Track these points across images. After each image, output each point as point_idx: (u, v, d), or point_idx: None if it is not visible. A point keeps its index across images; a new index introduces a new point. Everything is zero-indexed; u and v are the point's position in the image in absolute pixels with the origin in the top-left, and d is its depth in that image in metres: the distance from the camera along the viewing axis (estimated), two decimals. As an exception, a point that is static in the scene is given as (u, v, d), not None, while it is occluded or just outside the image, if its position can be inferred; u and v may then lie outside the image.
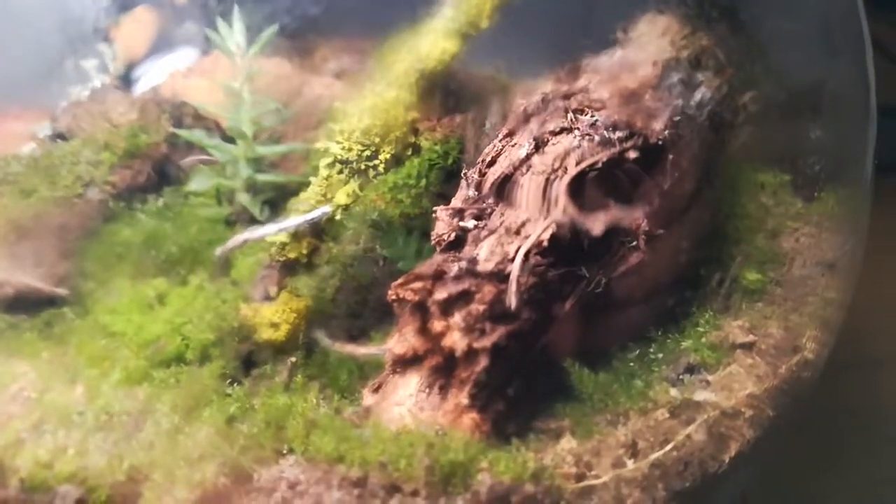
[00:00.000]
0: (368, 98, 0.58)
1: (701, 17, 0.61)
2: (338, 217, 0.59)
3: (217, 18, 0.68)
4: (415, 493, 0.38)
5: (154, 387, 0.48)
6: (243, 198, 0.69)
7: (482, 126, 0.67)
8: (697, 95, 0.59)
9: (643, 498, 0.41)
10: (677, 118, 0.53)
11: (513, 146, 0.54)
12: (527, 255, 0.44)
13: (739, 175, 0.63)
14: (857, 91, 0.59)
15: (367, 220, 0.67)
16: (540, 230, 0.44)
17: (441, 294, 0.44)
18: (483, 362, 0.43)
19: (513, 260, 0.44)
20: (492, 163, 0.53)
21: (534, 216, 0.46)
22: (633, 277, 0.49)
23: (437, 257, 0.50)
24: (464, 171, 0.52)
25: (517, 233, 0.45)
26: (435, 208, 0.52)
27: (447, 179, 0.66)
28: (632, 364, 0.47)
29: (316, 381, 0.57)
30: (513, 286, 0.43)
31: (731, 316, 0.50)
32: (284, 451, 0.42)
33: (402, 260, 0.64)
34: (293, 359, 0.58)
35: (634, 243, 0.49)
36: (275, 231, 0.59)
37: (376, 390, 0.51)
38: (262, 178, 0.69)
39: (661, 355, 0.47)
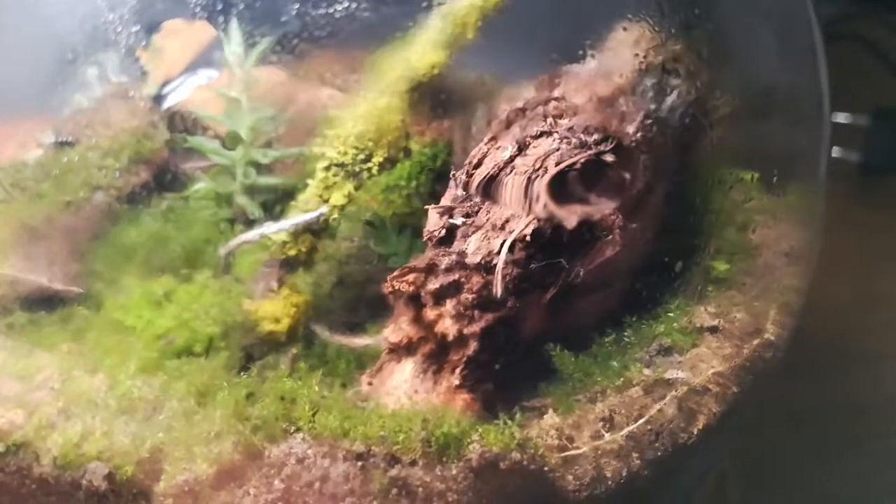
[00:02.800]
0: (362, 105, 0.62)
1: (673, 24, 0.65)
2: (334, 217, 0.63)
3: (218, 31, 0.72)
4: (413, 463, 0.42)
5: (168, 375, 0.51)
6: (242, 200, 0.73)
7: (469, 130, 0.71)
8: (669, 100, 0.63)
9: (620, 466, 0.45)
10: (649, 121, 0.57)
11: (497, 149, 0.58)
12: (511, 248, 0.48)
13: (711, 173, 0.68)
14: (810, 92, 0.64)
15: (361, 220, 0.71)
16: (523, 225, 0.49)
17: (433, 284, 0.48)
18: (472, 346, 0.47)
19: (498, 253, 0.48)
20: (478, 164, 0.57)
21: (517, 212, 0.50)
22: (610, 266, 0.53)
23: (429, 252, 0.54)
24: (452, 173, 0.56)
25: (502, 228, 0.50)
26: (426, 207, 0.56)
27: (436, 180, 0.71)
28: (609, 347, 0.51)
29: (316, 370, 0.61)
30: (498, 277, 0.47)
31: (701, 303, 0.54)
32: (292, 430, 0.46)
33: (394, 256, 0.68)
34: (294, 350, 0.62)
35: (610, 237, 0.53)
36: (274, 231, 0.63)
37: (373, 376, 0.55)
38: (262, 181, 0.73)
39: (635, 339, 0.51)
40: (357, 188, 0.63)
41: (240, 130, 0.72)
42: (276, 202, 0.74)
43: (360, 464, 0.43)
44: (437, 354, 0.52)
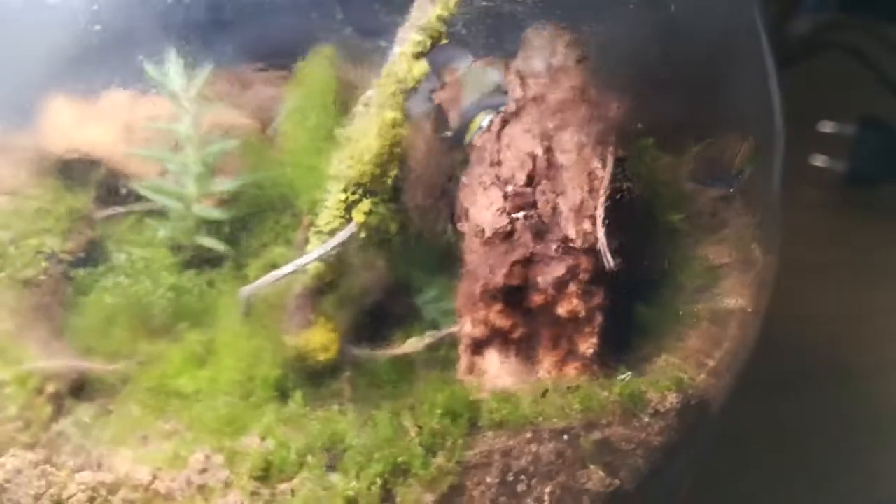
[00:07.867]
0: (372, 121, 0.63)
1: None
2: (362, 235, 0.64)
3: (146, 63, 0.66)
4: (609, 423, 0.48)
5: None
6: (203, 239, 0.69)
7: (429, 132, 0.75)
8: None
9: (720, 384, 0.56)
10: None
11: (508, 146, 0.64)
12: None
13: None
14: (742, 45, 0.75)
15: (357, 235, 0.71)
16: (601, 207, 0.56)
17: (557, 272, 0.53)
18: (599, 318, 0.54)
19: (594, 230, 0.55)
20: (498, 162, 0.63)
21: (584, 197, 0.57)
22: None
23: (492, 248, 0.58)
24: (495, 173, 0.61)
25: (579, 212, 0.56)
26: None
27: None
28: (664, 294, 0.61)
29: (375, 387, 0.63)
30: (606, 252, 0.54)
31: (697, 247, 0.66)
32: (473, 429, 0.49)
33: (408, 262, 0.70)
34: (348, 373, 0.62)
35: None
36: (311, 260, 0.62)
37: (470, 373, 0.58)
38: (221, 214, 0.69)
39: (684, 283, 0.61)
40: (375, 203, 0.64)
41: (191, 165, 0.68)
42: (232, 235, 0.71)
43: (565, 437, 0.48)
44: (528, 337, 0.58)
